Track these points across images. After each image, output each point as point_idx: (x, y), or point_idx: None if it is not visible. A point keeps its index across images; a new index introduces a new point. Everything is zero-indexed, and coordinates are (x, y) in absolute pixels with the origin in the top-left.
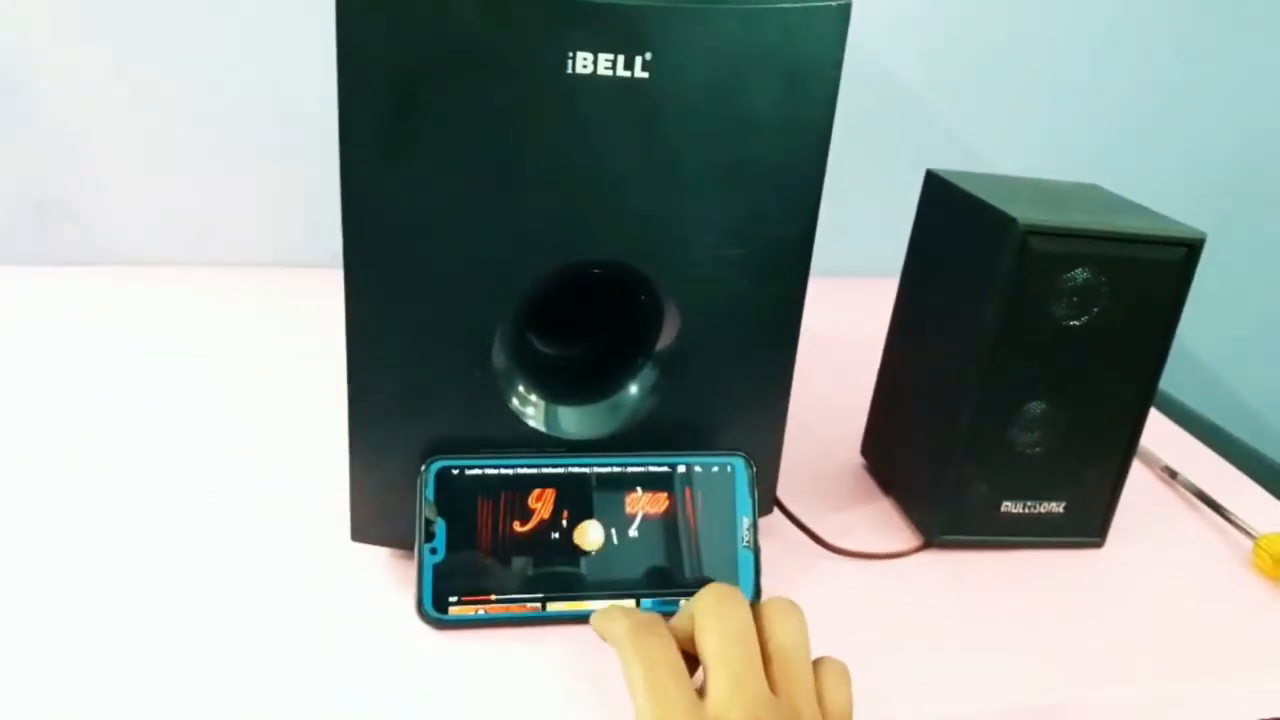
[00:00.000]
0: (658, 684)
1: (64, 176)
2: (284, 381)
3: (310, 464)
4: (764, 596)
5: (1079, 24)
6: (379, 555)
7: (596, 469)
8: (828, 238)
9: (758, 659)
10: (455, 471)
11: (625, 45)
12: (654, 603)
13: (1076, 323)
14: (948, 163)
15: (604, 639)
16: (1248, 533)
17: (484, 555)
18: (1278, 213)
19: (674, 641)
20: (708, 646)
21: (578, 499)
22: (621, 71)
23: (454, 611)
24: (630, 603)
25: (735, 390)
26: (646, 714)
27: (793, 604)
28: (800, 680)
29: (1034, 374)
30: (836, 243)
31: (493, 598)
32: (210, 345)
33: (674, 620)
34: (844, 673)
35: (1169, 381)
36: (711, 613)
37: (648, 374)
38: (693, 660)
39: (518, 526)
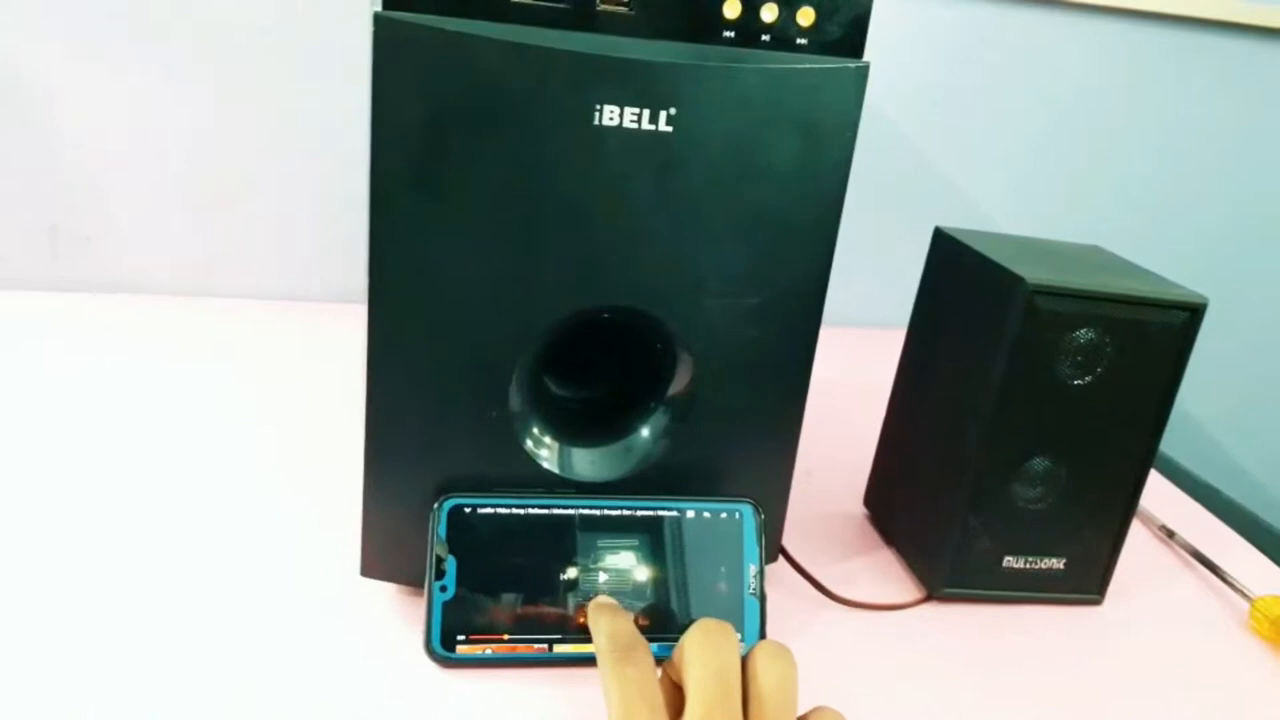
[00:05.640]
0: (632, 711)
1: (79, 202)
2: (293, 414)
3: (319, 499)
4: None
5: (1086, 90)
6: (387, 591)
7: (607, 511)
8: (836, 289)
9: (735, 696)
10: (468, 510)
11: (651, 100)
12: (659, 647)
13: (1080, 381)
14: (952, 219)
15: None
16: (1244, 594)
17: (493, 594)
18: (1277, 280)
19: (652, 668)
20: (689, 680)
21: (588, 541)
22: (646, 125)
23: (461, 650)
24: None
25: (745, 437)
26: None
27: (782, 647)
28: None
29: (1038, 431)
30: (844, 294)
31: (503, 638)
32: (220, 376)
33: (674, 653)
34: None
35: (1168, 442)
36: (696, 648)
37: (659, 418)
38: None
39: (528, 566)
